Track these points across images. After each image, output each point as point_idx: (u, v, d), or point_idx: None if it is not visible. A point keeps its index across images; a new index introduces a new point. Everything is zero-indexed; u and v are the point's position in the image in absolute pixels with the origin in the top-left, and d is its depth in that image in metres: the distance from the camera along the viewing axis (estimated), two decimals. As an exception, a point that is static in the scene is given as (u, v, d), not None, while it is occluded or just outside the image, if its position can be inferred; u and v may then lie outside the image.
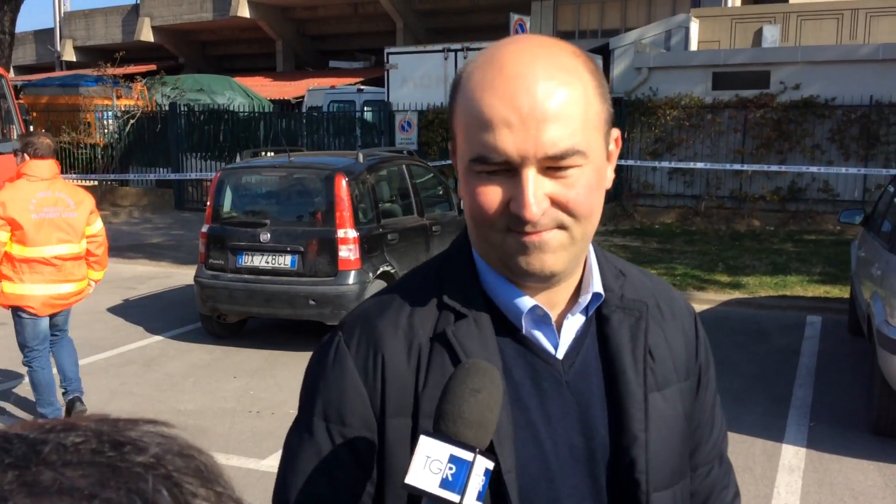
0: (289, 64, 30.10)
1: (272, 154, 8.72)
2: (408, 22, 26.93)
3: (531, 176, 0.93)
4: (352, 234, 7.11)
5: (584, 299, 1.06)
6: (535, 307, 1.04)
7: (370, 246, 7.29)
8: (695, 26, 16.90)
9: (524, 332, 1.05)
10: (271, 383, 6.51)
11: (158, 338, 7.82)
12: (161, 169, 17.19)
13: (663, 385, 1.09)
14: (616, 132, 1.03)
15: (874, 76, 12.91)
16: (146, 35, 29.63)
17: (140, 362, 7.07)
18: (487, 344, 1.02)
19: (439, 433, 0.86)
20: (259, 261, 7.25)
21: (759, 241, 12.52)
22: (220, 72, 25.71)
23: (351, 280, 7.08)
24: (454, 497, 0.84)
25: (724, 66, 14.28)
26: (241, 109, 17.50)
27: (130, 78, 20.25)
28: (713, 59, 14.61)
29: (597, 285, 1.08)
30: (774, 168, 12.69)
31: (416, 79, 15.85)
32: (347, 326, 1.08)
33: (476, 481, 0.86)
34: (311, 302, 7.08)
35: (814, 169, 12.36)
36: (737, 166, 13.19)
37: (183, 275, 10.21)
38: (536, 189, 0.93)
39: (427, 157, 14.83)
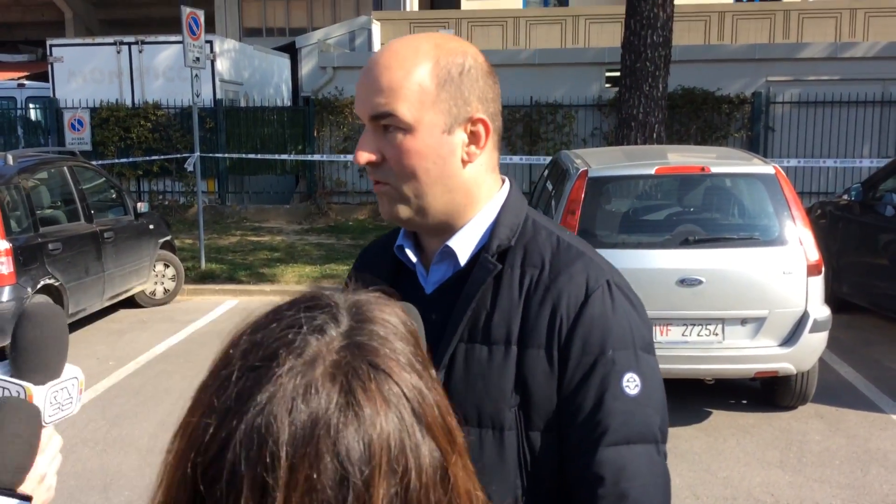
0: (-66, 54, 26.20)
1: None
2: (78, 12, 24.76)
3: (367, 129, 1.22)
4: (2, 245, 6.35)
5: (439, 252, 1.30)
6: (399, 246, 1.34)
7: (26, 258, 6.57)
8: (377, 28, 17.49)
9: (412, 267, 1.33)
10: None
11: None
12: None
13: (491, 340, 1.22)
14: (480, 116, 1.24)
15: (534, 79, 14.28)
16: None
17: None
18: (382, 273, 1.36)
19: None
20: None
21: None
22: None
23: (4, 297, 6.33)
24: None
25: (404, 67, 14.90)
26: None
27: None
28: (394, 60, 15.18)
29: (455, 242, 1.29)
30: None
31: (86, 73, 14.59)
32: None
33: None
34: (-45, 325, 6.21)
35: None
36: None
37: None
38: (367, 139, 1.22)
39: (104, 158, 13.76)
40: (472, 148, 1.24)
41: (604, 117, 14.10)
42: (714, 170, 5.49)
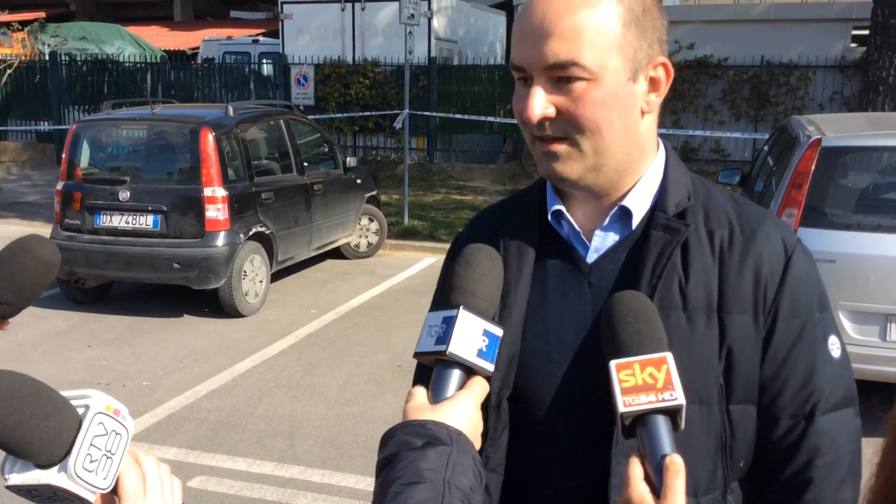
0: (187, 13, 28.72)
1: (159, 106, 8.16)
2: (311, -28, 25.98)
3: (537, 82, 1.08)
4: (220, 192, 6.71)
5: (612, 213, 1.18)
6: (557, 211, 1.20)
7: (241, 205, 6.91)
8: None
9: (565, 235, 1.20)
10: (128, 353, 6.11)
11: (13, 304, 7.27)
12: (42, 122, 16.17)
13: (689, 307, 1.12)
14: (661, 60, 1.12)
15: (766, 36, 13.05)
16: (32, -21, 27.69)
17: (-13, 331, 6.55)
18: (526, 242, 1.21)
19: (439, 306, 1.03)
20: (118, 221, 6.78)
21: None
22: (116, 21, 24.29)
23: (219, 242, 6.70)
24: (440, 347, 0.97)
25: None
26: (127, 59, 16.56)
27: (11, 25, 18.89)
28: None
29: (631, 201, 1.17)
30: (663, 131, 12.51)
31: (312, 30, 15.25)
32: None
33: (466, 334, 0.98)
34: (176, 265, 6.67)
35: (700, 133, 12.27)
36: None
37: (51, 236, 9.57)
38: (539, 94, 1.08)
39: (325, 113, 14.36)
40: (652, 96, 1.14)
41: (846, 80, 12.63)
42: (984, 143, 4.60)
